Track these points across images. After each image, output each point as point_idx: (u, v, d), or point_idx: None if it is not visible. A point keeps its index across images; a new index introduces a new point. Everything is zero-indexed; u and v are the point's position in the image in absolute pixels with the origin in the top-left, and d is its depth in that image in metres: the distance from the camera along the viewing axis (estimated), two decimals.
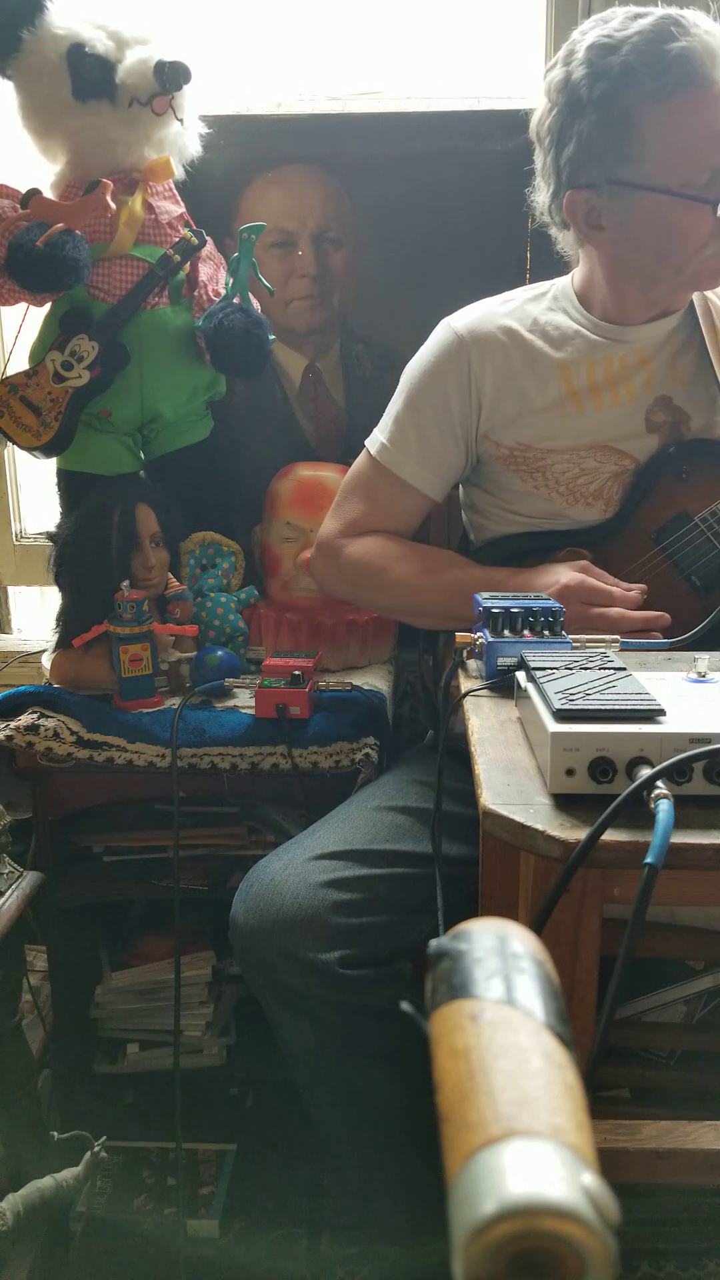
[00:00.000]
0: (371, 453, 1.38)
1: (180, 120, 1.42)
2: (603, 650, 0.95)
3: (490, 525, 1.39)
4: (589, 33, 1.20)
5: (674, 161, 1.18)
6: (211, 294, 1.46)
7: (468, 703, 0.95)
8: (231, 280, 1.45)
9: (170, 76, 1.36)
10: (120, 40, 1.38)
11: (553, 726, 0.73)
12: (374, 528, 1.37)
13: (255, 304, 1.49)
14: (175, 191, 1.50)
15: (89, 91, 1.37)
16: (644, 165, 1.18)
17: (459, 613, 1.21)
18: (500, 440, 1.33)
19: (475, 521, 1.42)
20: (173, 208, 1.47)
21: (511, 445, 1.32)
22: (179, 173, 1.47)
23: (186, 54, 1.39)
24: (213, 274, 1.48)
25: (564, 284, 1.36)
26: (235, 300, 1.44)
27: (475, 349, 1.32)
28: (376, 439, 1.38)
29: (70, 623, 1.45)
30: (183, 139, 1.46)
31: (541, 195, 1.30)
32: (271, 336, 1.47)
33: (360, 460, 1.40)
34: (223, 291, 1.46)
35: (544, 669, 0.85)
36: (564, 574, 1.20)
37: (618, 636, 1.07)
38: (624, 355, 1.31)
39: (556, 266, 1.57)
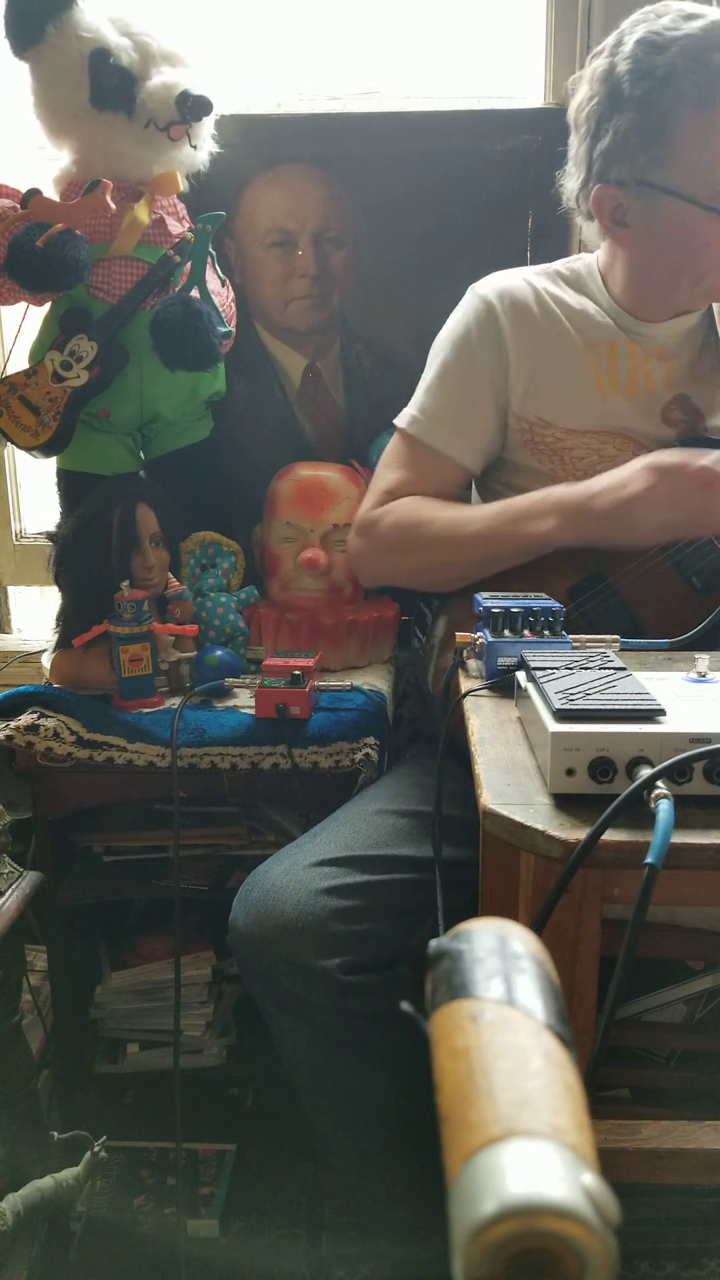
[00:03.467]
0: (402, 427, 1.35)
1: (194, 146, 1.43)
2: (603, 650, 0.95)
3: None
4: (639, 25, 1.18)
5: (705, 172, 1.17)
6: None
7: (468, 703, 0.95)
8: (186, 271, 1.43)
9: (193, 109, 1.36)
10: (146, 54, 1.37)
11: (553, 726, 0.73)
12: (412, 494, 1.32)
13: (228, 296, 1.48)
14: (180, 207, 1.49)
15: (106, 101, 1.36)
16: (675, 172, 1.17)
17: (508, 535, 1.21)
18: (522, 414, 1.31)
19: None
20: (175, 225, 1.46)
21: (532, 420, 1.30)
22: (184, 186, 1.47)
23: (205, 73, 1.39)
24: (185, 269, 1.47)
25: (590, 264, 1.35)
26: (193, 293, 1.42)
27: (504, 313, 1.30)
28: (406, 414, 1.36)
29: (70, 623, 1.45)
30: (192, 158, 1.46)
31: (571, 182, 1.28)
32: (225, 329, 1.45)
33: (393, 441, 1.38)
34: None
35: (544, 669, 0.85)
36: (655, 455, 1.16)
37: (618, 637, 1.07)
38: (644, 349, 1.30)
39: None
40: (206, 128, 1.45)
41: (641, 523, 1.14)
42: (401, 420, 1.36)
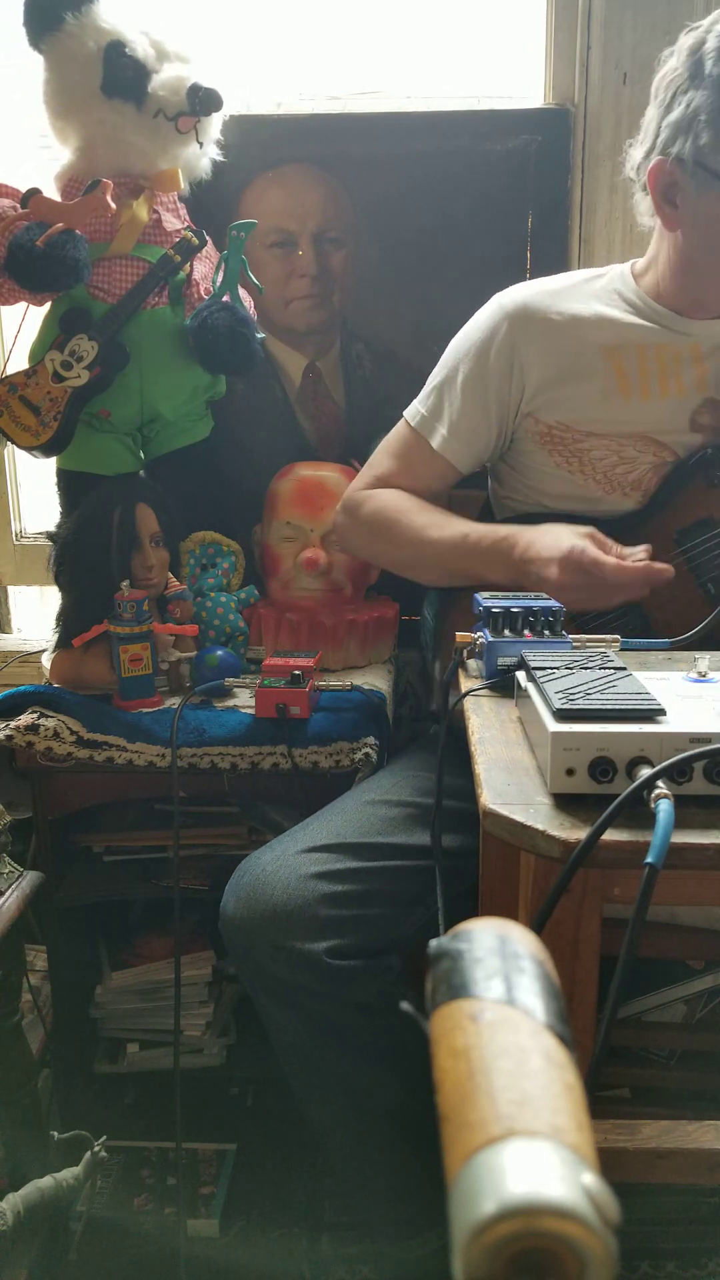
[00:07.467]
0: (407, 418, 1.40)
1: (200, 144, 1.43)
2: (603, 650, 0.95)
3: (515, 503, 1.38)
4: None
5: None
6: (203, 292, 1.46)
7: (468, 702, 0.95)
8: (220, 278, 1.45)
9: (203, 101, 1.37)
10: (161, 51, 1.39)
11: (553, 726, 0.73)
12: (398, 486, 1.39)
13: (249, 302, 1.49)
14: (179, 205, 1.49)
15: (118, 90, 1.38)
16: None
17: (461, 568, 1.28)
18: (541, 417, 1.31)
19: (500, 497, 1.42)
20: (175, 221, 1.47)
21: (551, 423, 1.31)
22: (185, 189, 1.47)
23: (216, 73, 1.40)
24: (206, 273, 1.48)
25: (622, 269, 1.35)
26: (225, 299, 1.44)
27: (522, 327, 1.31)
28: (415, 407, 1.40)
29: (70, 622, 1.45)
30: (196, 160, 1.46)
31: (637, 151, 1.26)
32: (260, 335, 1.47)
33: (397, 427, 1.43)
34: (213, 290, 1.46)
35: (544, 669, 0.85)
36: (567, 538, 1.15)
37: (618, 637, 1.07)
38: (678, 347, 1.28)
39: (556, 267, 1.57)
40: (214, 126, 1.45)
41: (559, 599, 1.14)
42: (409, 412, 1.40)
